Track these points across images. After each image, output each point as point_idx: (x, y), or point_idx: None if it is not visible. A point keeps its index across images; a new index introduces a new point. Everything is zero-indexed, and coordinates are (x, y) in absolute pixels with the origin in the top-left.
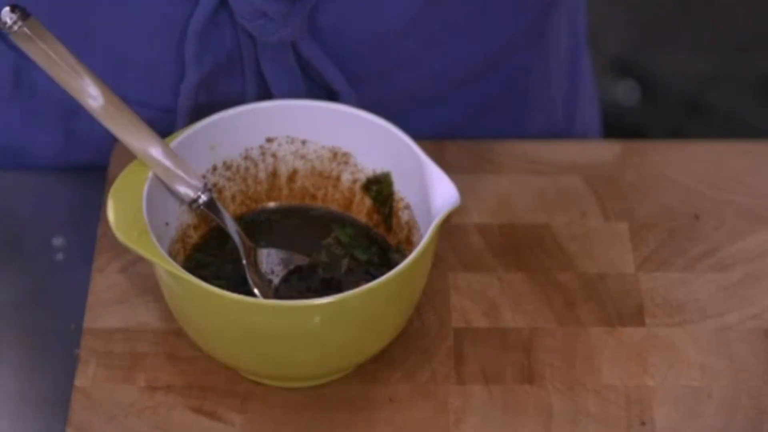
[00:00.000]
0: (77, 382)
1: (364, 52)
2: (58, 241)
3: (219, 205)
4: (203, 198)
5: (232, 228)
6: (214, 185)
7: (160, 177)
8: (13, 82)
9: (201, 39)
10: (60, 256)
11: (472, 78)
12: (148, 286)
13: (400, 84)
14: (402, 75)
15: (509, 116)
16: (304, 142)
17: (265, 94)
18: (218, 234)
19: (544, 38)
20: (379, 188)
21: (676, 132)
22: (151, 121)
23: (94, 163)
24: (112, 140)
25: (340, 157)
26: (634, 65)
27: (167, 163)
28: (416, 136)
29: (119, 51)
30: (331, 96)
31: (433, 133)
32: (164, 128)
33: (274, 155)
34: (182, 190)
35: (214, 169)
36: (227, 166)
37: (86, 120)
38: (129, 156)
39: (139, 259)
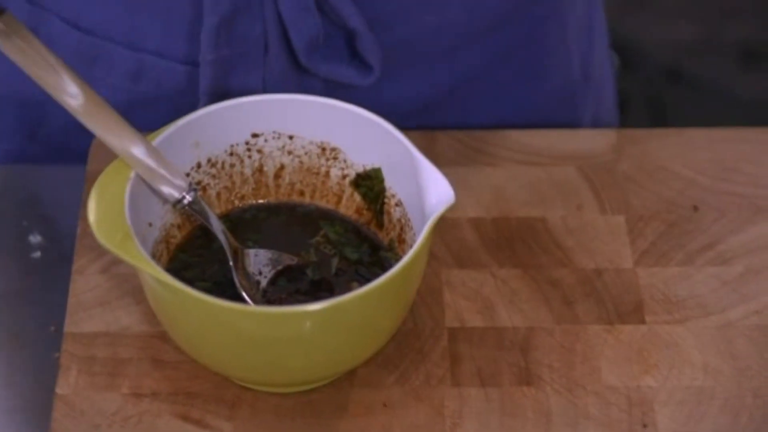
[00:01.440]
0: (58, 390)
1: None
2: (35, 239)
3: (204, 204)
4: (188, 198)
5: (217, 228)
6: (199, 183)
7: (143, 177)
8: (30, 31)
9: None
10: (37, 255)
11: (491, 27)
12: (130, 287)
13: (420, 29)
14: (422, 19)
15: (526, 68)
16: (291, 138)
17: (285, 41)
18: (203, 233)
19: None
20: (370, 184)
21: (657, 100)
22: (167, 74)
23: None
24: (130, 85)
25: (328, 152)
26: (614, 33)
27: (150, 162)
28: (432, 85)
29: None
30: (350, 38)
31: (449, 82)
32: (181, 83)
33: (260, 151)
34: (166, 190)
35: (199, 166)
36: (212, 163)
37: (105, 65)
38: (107, 152)
39: (120, 260)
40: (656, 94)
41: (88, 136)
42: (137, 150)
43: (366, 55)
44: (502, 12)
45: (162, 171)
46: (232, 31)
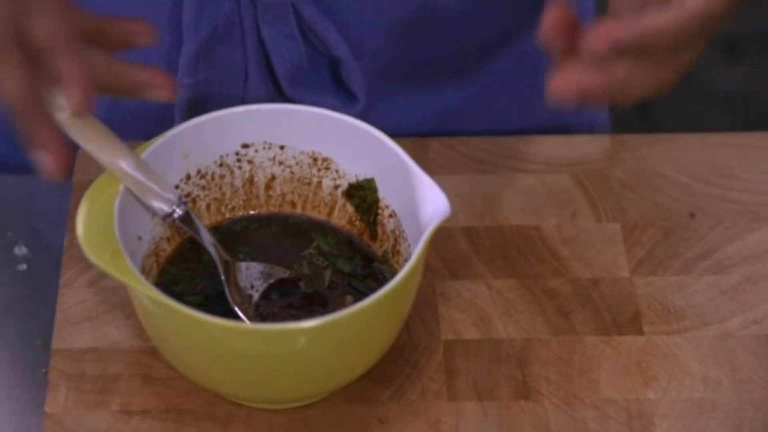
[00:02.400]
0: (47, 408)
1: (367, 17)
2: (20, 250)
3: (195, 218)
4: (178, 212)
5: (208, 242)
6: (188, 195)
7: (132, 191)
8: None
9: (199, 2)
10: (23, 267)
11: (479, 59)
12: (119, 301)
13: (405, 59)
14: (407, 49)
15: (518, 99)
16: (282, 148)
17: (266, 64)
18: (193, 246)
19: None
20: (363, 195)
21: None
22: (143, 109)
23: None
24: (104, 119)
25: (320, 162)
26: None
27: (139, 176)
28: (420, 114)
29: (113, 13)
30: (334, 67)
31: (437, 111)
32: (158, 110)
33: (250, 162)
34: (156, 204)
35: (188, 177)
36: (201, 175)
37: None
38: (93, 162)
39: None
40: None
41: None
42: (125, 163)
43: (351, 84)
44: (489, 45)
45: (151, 185)
46: (213, 58)
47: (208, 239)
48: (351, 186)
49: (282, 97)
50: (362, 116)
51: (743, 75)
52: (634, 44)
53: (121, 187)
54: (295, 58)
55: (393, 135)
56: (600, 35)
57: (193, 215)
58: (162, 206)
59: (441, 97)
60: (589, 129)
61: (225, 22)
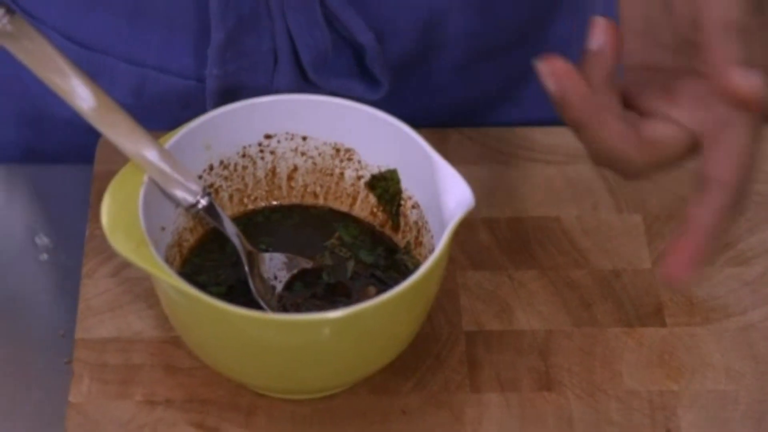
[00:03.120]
0: (71, 398)
1: (393, 5)
2: (41, 240)
3: (219, 209)
4: (202, 203)
5: (231, 232)
6: (211, 185)
7: (157, 181)
8: None
9: None
10: (44, 257)
11: (506, 46)
12: (141, 291)
13: (430, 45)
14: (432, 35)
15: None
16: (304, 138)
17: (292, 51)
18: (215, 236)
19: (583, 9)
20: (385, 186)
21: None
22: (170, 88)
23: None
24: (133, 101)
25: (342, 153)
26: None
27: (163, 166)
28: (444, 101)
29: (136, 4)
30: (359, 53)
31: (462, 99)
32: (184, 98)
33: (273, 152)
34: (180, 194)
35: (211, 168)
36: (224, 165)
37: (107, 80)
38: (114, 150)
39: (130, 263)
40: None
41: (89, 151)
42: (150, 154)
43: (374, 70)
44: (517, 30)
45: (175, 175)
46: (241, 46)
47: (231, 230)
48: (373, 177)
49: (307, 83)
50: (386, 102)
51: None
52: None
53: (145, 178)
54: (321, 44)
55: (417, 121)
56: (678, 268)
57: (216, 206)
58: (186, 197)
59: (465, 85)
60: None
61: (251, 10)
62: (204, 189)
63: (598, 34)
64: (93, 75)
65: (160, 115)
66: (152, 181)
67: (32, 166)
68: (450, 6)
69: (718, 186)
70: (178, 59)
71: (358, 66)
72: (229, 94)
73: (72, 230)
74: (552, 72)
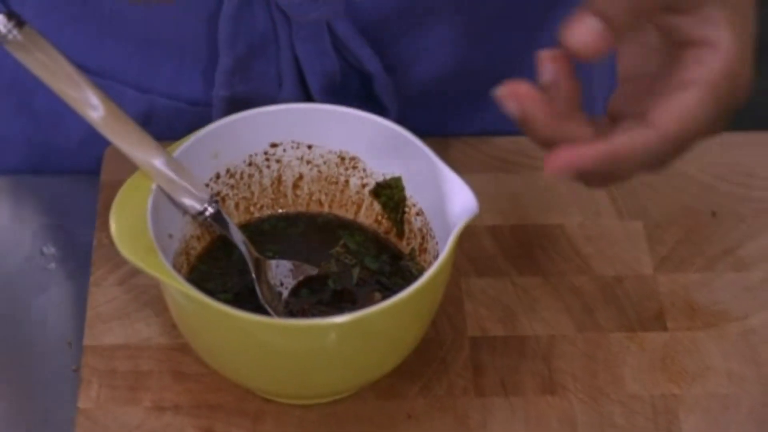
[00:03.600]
0: (80, 404)
1: (400, 34)
2: (48, 250)
3: (226, 216)
4: (210, 210)
5: (238, 239)
6: (218, 194)
7: (164, 189)
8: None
9: (235, 19)
10: (52, 266)
11: (515, 71)
12: (149, 298)
13: (438, 73)
14: (440, 63)
15: None
16: (310, 147)
17: (299, 78)
18: (222, 244)
19: None
20: (390, 193)
21: None
22: (178, 115)
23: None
24: (141, 112)
25: (348, 161)
26: None
27: (172, 174)
28: (453, 128)
29: (147, 32)
30: (366, 81)
31: (471, 125)
32: (192, 124)
33: (278, 161)
34: (188, 202)
35: (218, 177)
36: (231, 174)
37: (111, 94)
38: (120, 160)
39: (137, 271)
40: None
41: (99, 146)
42: (158, 162)
43: (382, 98)
44: (524, 57)
45: (183, 183)
46: (247, 71)
47: (238, 237)
48: (378, 185)
49: None
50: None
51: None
52: (600, 169)
53: (153, 186)
54: (329, 72)
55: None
56: (563, 160)
57: (223, 213)
58: (194, 204)
59: (477, 114)
60: None
61: (260, 38)
62: (211, 197)
63: (546, 69)
64: (100, 84)
65: (168, 141)
66: (160, 189)
67: (38, 177)
68: (458, 37)
69: (653, 129)
70: (188, 86)
71: (366, 94)
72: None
73: (78, 240)
74: (513, 95)
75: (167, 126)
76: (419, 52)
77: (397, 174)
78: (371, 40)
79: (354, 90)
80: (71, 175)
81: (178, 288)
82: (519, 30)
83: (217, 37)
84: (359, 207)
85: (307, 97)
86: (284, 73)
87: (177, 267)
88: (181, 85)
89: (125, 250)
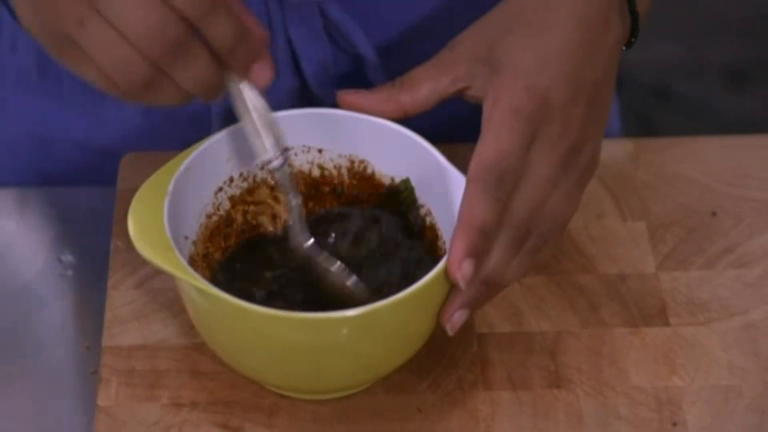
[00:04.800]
0: (100, 402)
1: (392, 17)
2: (66, 258)
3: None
4: (276, 163)
5: (295, 201)
6: (231, 197)
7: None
8: (39, 70)
9: None
10: (69, 273)
11: None
12: (165, 301)
13: (429, 54)
14: (432, 47)
15: None
16: (320, 151)
17: (294, 64)
18: (237, 249)
19: None
20: (402, 195)
21: (645, 119)
22: (178, 109)
23: (119, 148)
24: (140, 125)
25: (357, 164)
26: None
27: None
28: (445, 112)
29: None
30: (359, 65)
31: (463, 110)
32: (193, 111)
33: (290, 164)
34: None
35: (231, 180)
36: (244, 178)
37: (114, 105)
38: (136, 169)
39: (154, 274)
40: (645, 114)
41: (99, 173)
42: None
43: (375, 82)
44: None
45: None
46: None
47: (295, 199)
48: (389, 188)
49: (309, 96)
50: None
51: (746, 104)
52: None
53: (170, 188)
54: (322, 57)
55: (427, 124)
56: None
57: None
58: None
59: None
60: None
61: None
62: (284, 152)
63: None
64: (101, 97)
65: (169, 134)
66: (176, 192)
67: (52, 188)
68: (451, 19)
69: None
70: None
71: (359, 78)
72: (231, 114)
73: (95, 249)
74: (343, 102)
75: (168, 119)
76: (412, 35)
77: (405, 176)
78: (363, 24)
79: (347, 75)
80: (83, 187)
81: (193, 284)
82: None
83: None
84: None
85: (303, 86)
86: (279, 60)
87: (192, 268)
88: None
89: (142, 248)
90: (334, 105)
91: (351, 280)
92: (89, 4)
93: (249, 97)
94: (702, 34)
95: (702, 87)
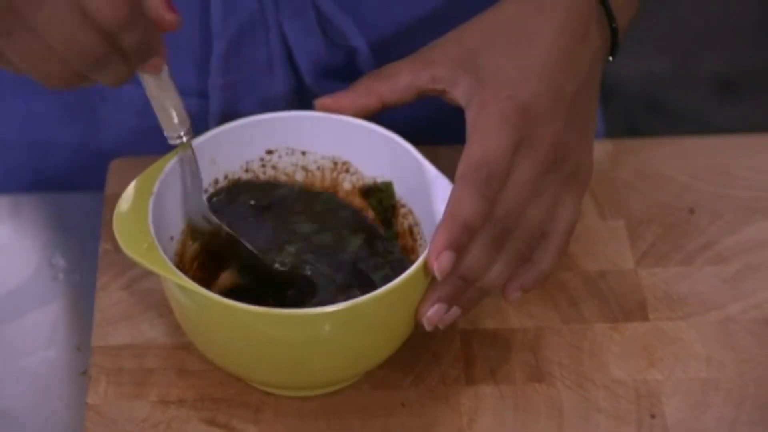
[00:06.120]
0: (89, 400)
1: (385, 11)
2: (56, 262)
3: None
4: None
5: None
6: (216, 198)
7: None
8: None
9: (225, 1)
10: (60, 277)
11: None
12: (152, 301)
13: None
14: (426, 39)
15: None
16: (304, 153)
17: (289, 59)
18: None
19: None
20: (380, 197)
21: (635, 130)
22: None
23: (115, 151)
24: (135, 127)
25: (340, 166)
26: None
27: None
28: (436, 106)
29: None
30: (352, 58)
31: (441, 108)
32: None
33: (274, 167)
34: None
35: (216, 182)
36: (228, 180)
37: (109, 108)
38: (124, 174)
39: (142, 276)
40: (634, 125)
41: (95, 176)
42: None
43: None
44: None
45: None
46: (241, 57)
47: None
48: (368, 187)
49: (303, 91)
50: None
51: (738, 112)
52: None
53: (155, 189)
54: (316, 51)
55: (409, 126)
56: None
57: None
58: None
59: None
60: None
61: (249, 19)
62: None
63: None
64: (99, 98)
65: (165, 137)
66: (161, 193)
67: (44, 194)
68: (444, 14)
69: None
70: (182, 77)
71: (352, 72)
72: (230, 107)
73: (84, 253)
74: (323, 108)
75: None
76: (405, 30)
77: (387, 177)
78: (355, 17)
79: (341, 70)
80: (75, 193)
81: (176, 282)
82: None
83: (209, 23)
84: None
85: (298, 82)
86: (274, 56)
87: (178, 268)
88: (176, 77)
89: (126, 247)
90: None
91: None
92: (16, 17)
93: (156, 82)
94: (691, 45)
95: (691, 98)
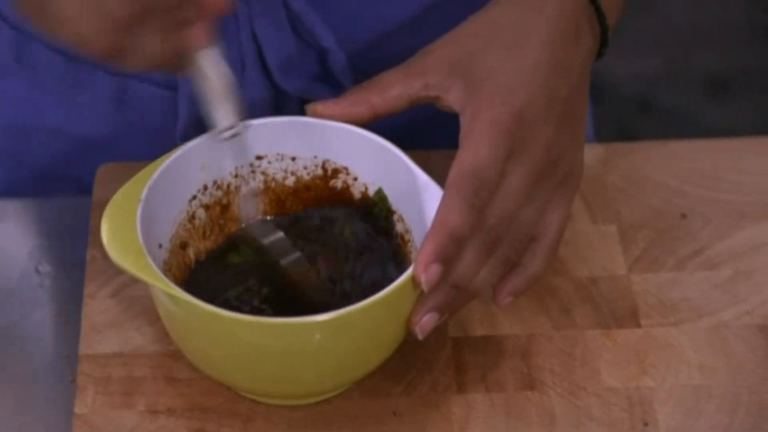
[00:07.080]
0: (77, 410)
1: (357, 12)
2: (43, 268)
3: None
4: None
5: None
6: (206, 205)
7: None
8: (15, 57)
9: None
10: (47, 284)
11: None
12: (140, 309)
13: (395, 52)
14: (397, 42)
15: None
16: (293, 159)
17: (259, 58)
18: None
19: None
20: (376, 209)
21: (626, 130)
22: (150, 99)
23: (94, 135)
24: (114, 110)
25: (330, 172)
26: None
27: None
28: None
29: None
30: (322, 58)
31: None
32: (163, 107)
33: (264, 173)
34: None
35: (205, 188)
36: (218, 186)
37: (89, 90)
38: (112, 180)
39: (130, 284)
40: (626, 125)
41: (74, 164)
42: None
43: (338, 75)
44: None
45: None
46: None
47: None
48: (365, 203)
49: (275, 90)
50: None
51: (729, 113)
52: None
53: (143, 196)
54: (286, 49)
55: (404, 129)
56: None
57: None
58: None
59: None
60: None
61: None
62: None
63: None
64: (76, 85)
65: (140, 123)
66: (149, 200)
67: (30, 199)
68: (419, 18)
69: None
70: None
71: (323, 71)
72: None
73: (72, 260)
74: (314, 114)
75: (139, 109)
76: (379, 32)
77: (377, 183)
78: (327, 17)
79: (312, 68)
80: (61, 197)
81: (164, 290)
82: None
83: None
84: None
85: (269, 81)
86: (245, 54)
87: (167, 275)
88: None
89: (115, 255)
90: (301, 101)
91: (290, 257)
92: None
93: (207, 66)
94: (682, 45)
95: (683, 98)
